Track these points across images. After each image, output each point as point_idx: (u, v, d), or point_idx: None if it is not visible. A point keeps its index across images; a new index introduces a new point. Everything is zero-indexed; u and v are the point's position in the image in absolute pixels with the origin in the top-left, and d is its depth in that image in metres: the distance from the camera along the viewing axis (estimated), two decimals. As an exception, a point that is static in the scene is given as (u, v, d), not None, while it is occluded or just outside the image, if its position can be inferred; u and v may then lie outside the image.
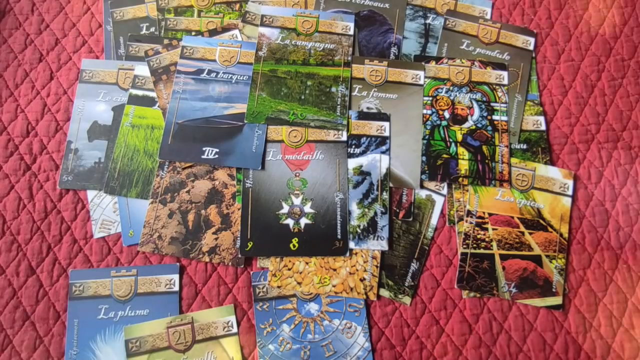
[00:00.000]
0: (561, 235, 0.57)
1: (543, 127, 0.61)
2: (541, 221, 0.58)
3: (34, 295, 0.53)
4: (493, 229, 0.57)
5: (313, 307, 0.54)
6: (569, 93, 0.64)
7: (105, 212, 0.56)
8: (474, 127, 0.60)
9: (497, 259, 0.56)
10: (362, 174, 0.57)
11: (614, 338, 0.55)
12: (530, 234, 0.57)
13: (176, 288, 0.54)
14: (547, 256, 0.56)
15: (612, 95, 0.64)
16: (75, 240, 0.55)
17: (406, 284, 0.55)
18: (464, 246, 0.56)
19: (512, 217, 0.58)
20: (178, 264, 0.54)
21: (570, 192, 0.58)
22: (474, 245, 0.56)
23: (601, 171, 0.61)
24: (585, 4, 0.67)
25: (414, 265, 0.56)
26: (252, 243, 0.54)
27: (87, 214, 0.56)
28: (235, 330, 0.53)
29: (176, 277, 0.54)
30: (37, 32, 0.62)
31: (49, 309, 0.53)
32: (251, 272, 0.55)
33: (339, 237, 0.55)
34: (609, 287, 0.57)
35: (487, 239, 0.57)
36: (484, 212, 0.57)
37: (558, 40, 0.65)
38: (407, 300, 0.55)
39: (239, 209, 0.56)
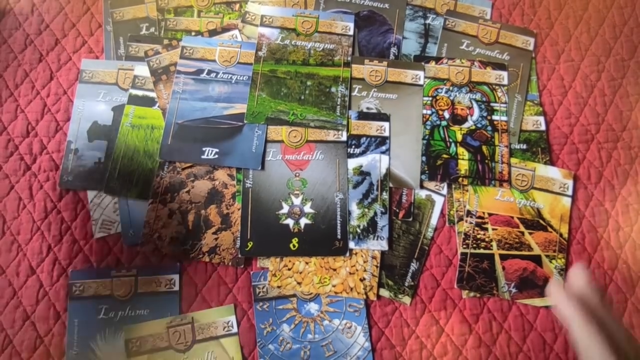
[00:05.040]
0: (561, 235, 0.57)
1: (543, 127, 0.61)
2: (541, 221, 0.58)
3: (34, 295, 0.53)
4: (493, 229, 0.57)
5: (313, 307, 0.54)
6: (569, 93, 0.64)
7: (105, 212, 0.56)
8: (473, 127, 0.60)
9: (497, 259, 0.56)
10: (362, 174, 0.57)
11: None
12: (530, 234, 0.57)
13: (176, 288, 0.54)
14: (547, 256, 0.56)
15: (611, 95, 0.64)
16: (76, 240, 0.55)
17: (406, 284, 0.55)
18: (464, 246, 0.56)
19: (512, 217, 0.58)
20: (178, 264, 0.54)
21: (570, 192, 0.59)
22: (474, 245, 0.57)
23: (601, 171, 0.61)
24: (585, 4, 0.67)
25: (413, 265, 0.56)
26: (252, 243, 0.54)
27: (87, 214, 0.56)
28: (235, 330, 0.53)
29: (176, 277, 0.54)
30: (37, 32, 0.62)
31: (49, 309, 0.53)
32: (251, 272, 0.55)
33: (338, 237, 0.55)
34: (609, 287, 0.57)
35: (487, 239, 0.57)
36: (483, 212, 0.58)
37: (558, 40, 0.65)
38: (407, 300, 0.55)
39: (238, 209, 0.56)
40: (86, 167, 0.57)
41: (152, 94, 0.59)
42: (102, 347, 0.51)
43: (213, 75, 0.60)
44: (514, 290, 0.55)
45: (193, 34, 0.63)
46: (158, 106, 0.59)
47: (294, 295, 0.54)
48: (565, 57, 0.65)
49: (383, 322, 0.54)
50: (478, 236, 0.57)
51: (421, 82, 0.61)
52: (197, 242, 0.55)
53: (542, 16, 0.66)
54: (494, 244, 0.57)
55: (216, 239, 0.55)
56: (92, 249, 0.55)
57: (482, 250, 0.56)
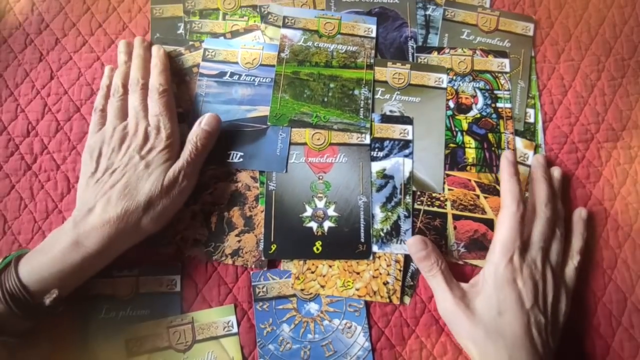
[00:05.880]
0: None
1: (532, 120, 0.62)
2: (497, 187, 0.58)
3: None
4: (449, 189, 0.58)
5: (313, 307, 0.54)
6: (569, 93, 0.64)
7: None
8: (478, 115, 0.61)
9: (450, 218, 0.57)
10: (385, 177, 0.57)
11: (613, 337, 0.55)
12: (485, 198, 0.58)
13: (177, 288, 0.54)
14: None
15: (612, 94, 0.64)
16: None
17: (406, 284, 0.55)
18: (418, 202, 0.57)
19: (470, 180, 0.58)
20: (180, 264, 0.54)
21: (529, 162, 0.59)
22: (428, 203, 0.57)
23: (600, 170, 0.61)
24: (585, 3, 0.67)
25: (413, 265, 0.56)
26: (275, 246, 0.54)
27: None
28: (235, 330, 0.53)
29: (177, 277, 0.54)
30: (37, 31, 0.62)
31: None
32: (251, 272, 0.55)
33: (362, 240, 0.55)
34: (609, 286, 0.57)
35: (441, 198, 0.58)
36: None
37: (558, 40, 0.65)
38: (406, 299, 0.55)
39: (261, 212, 0.56)
40: None
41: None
42: (102, 346, 0.52)
43: (236, 77, 0.60)
44: (462, 250, 0.56)
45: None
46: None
47: (293, 295, 0.54)
48: (566, 57, 0.65)
49: (383, 321, 0.54)
50: (433, 194, 0.57)
51: (444, 85, 0.61)
52: (220, 244, 0.55)
53: (542, 15, 0.66)
54: (448, 203, 0.57)
55: (239, 241, 0.55)
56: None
57: (435, 209, 0.57)
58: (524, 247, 0.50)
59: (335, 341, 0.53)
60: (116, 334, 0.52)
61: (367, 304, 0.55)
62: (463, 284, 0.52)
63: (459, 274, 0.56)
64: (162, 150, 0.51)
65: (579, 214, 0.57)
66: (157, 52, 0.58)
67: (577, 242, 0.55)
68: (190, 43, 0.61)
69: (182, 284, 0.54)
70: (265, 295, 0.54)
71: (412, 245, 0.52)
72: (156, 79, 0.56)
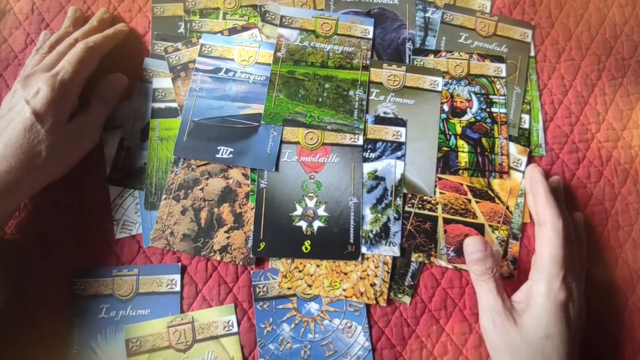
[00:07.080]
0: (507, 208, 0.57)
1: (526, 125, 0.61)
2: (490, 192, 0.58)
3: (36, 295, 0.53)
4: (440, 193, 0.58)
5: (313, 306, 0.54)
6: (570, 92, 0.64)
7: (127, 212, 0.56)
8: (473, 119, 0.61)
9: (440, 221, 0.57)
10: (377, 178, 0.57)
11: (614, 337, 0.55)
12: (477, 202, 0.58)
13: (177, 288, 0.54)
14: (490, 226, 0.57)
15: (612, 94, 0.64)
16: (75, 239, 0.55)
17: (406, 284, 0.55)
18: (409, 205, 0.57)
19: (462, 184, 0.58)
20: (179, 264, 0.54)
21: (522, 168, 0.59)
22: (419, 206, 0.57)
23: (600, 170, 0.61)
24: (586, 3, 0.67)
25: (413, 265, 0.56)
26: (264, 244, 0.54)
27: (86, 214, 0.56)
28: (235, 329, 0.53)
29: (177, 277, 0.54)
30: (37, 31, 0.62)
31: (49, 308, 0.53)
32: (251, 272, 0.55)
33: (351, 241, 0.55)
34: (609, 286, 0.57)
35: (433, 202, 0.57)
36: None
37: (558, 39, 0.65)
38: (407, 299, 0.55)
39: (252, 209, 0.56)
40: (136, 166, 0.57)
41: (175, 105, 0.59)
42: (102, 346, 0.52)
43: (231, 74, 0.60)
44: (452, 254, 0.56)
45: (217, 36, 0.63)
46: (176, 103, 0.59)
47: (294, 295, 0.54)
48: (566, 56, 0.65)
49: (383, 321, 0.54)
50: (424, 197, 0.57)
51: (439, 89, 0.61)
52: (208, 240, 0.55)
53: (543, 15, 0.66)
54: (439, 207, 0.57)
55: (228, 237, 0.55)
56: (93, 247, 0.55)
57: (426, 212, 0.57)
58: (571, 264, 0.47)
59: (336, 341, 0.53)
60: (116, 333, 0.52)
61: (368, 304, 0.55)
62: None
63: (448, 278, 0.56)
64: (51, 99, 0.47)
65: (580, 220, 0.56)
66: (118, 25, 0.58)
67: (585, 250, 0.55)
68: (188, 38, 0.61)
69: (182, 284, 0.54)
70: (265, 295, 0.54)
71: (470, 244, 0.50)
72: (92, 38, 0.54)
